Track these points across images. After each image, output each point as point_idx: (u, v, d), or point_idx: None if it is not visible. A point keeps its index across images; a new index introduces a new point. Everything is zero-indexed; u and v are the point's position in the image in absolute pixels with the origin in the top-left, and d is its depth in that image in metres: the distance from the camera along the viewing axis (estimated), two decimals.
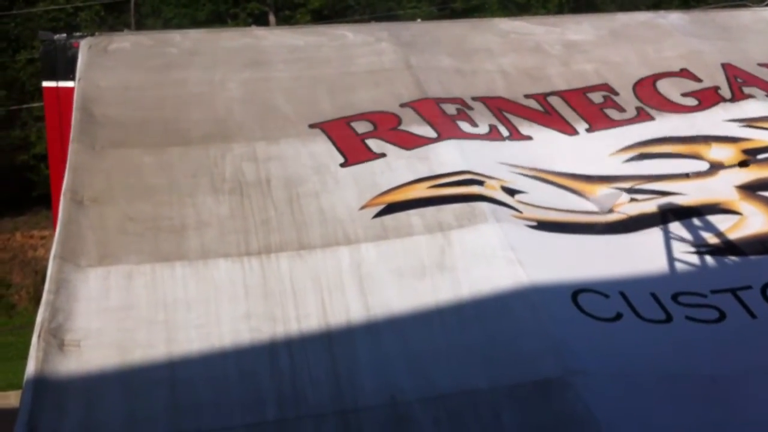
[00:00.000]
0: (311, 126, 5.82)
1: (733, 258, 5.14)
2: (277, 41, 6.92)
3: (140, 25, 21.47)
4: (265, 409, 4.02)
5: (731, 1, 11.61)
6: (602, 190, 5.62)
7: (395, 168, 5.49)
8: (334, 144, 5.67)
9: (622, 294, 4.74)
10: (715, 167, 5.83)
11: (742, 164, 5.79)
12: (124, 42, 6.72)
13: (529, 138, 6.01)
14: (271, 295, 4.53)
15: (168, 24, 21.64)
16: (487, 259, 4.84)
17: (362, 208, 5.16)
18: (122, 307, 4.41)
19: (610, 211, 5.43)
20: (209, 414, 3.99)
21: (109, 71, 6.28)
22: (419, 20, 9.30)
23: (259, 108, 6.00)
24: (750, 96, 6.50)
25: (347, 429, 3.98)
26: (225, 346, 4.26)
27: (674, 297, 4.77)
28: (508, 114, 6.22)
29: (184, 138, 5.66)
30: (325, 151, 5.57)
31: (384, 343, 4.38)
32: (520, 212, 5.25)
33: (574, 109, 6.36)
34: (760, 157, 5.93)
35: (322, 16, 21.85)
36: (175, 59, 6.56)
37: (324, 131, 5.78)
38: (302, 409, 4.03)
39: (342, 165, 5.51)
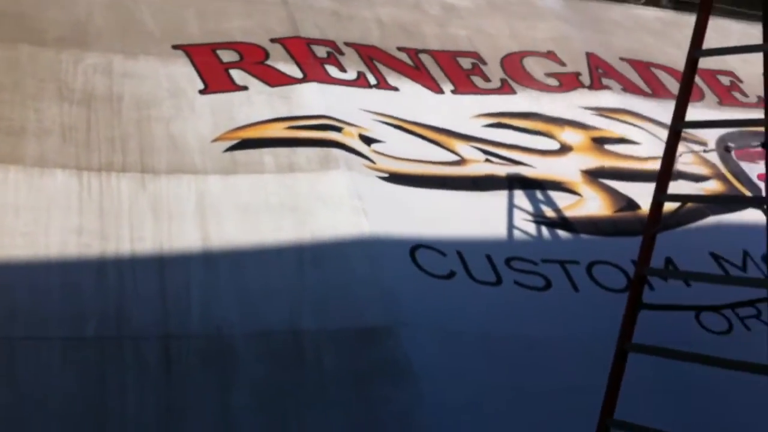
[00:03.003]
0: (174, 47, 5.64)
1: (566, 233, 5.41)
2: None
3: None
4: (85, 325, 3.94)
5: None
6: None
7: (255, 103, 5.41)
8: (196, 69, 5.52)
9: (459, 253, 4.91)
10: (565, 149, 6.09)
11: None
12: None
13: (395, 89, 6.07)
14: (107, 213, 4.41)
15: None
16: (333, 205, 4.89)
17: (215, 140, 5.07)
18: None
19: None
20: (25, 323, 3.87)
21: None
22: None
23: (121, 18, 5.73)
24: (607, 87, 6.79)
25: (167, 354, 3.96)
26: (50, 257, 4.13)
27: (507, 261, 4.98)
28: (378, 63, 6.25)
29: (38, 38, 5.35)
30: (184, 75, 5.42)
31: (218, 275, 4.37)
32: (374, 162, 5.32)
33: (442, 69, 6.45)
34: (607, 147, 6.23)
35: None
36: None
37: (187, 54, 5.61)
38: (124, 329, 3.98)
39: (201, 92, 5.38)
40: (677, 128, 3.86)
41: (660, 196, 3.89)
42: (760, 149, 6.16)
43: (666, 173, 3.90)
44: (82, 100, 4.99)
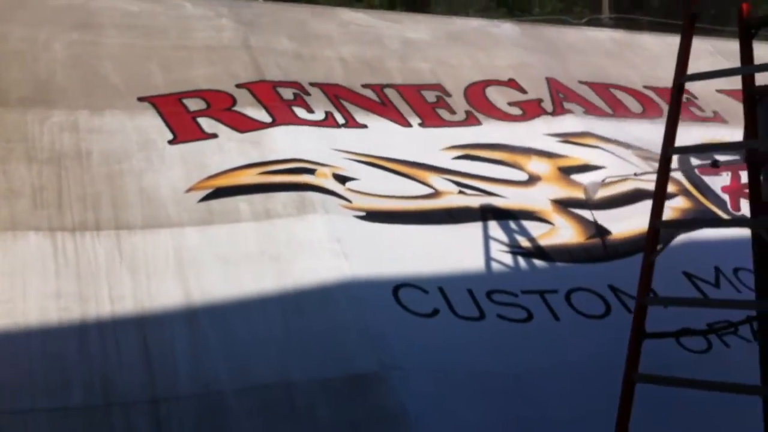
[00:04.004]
0: (140, 99, 5.57)
1: (542, 263, 5.45)
2: (109, 4, 6.54)
3: None
4: (71, 394, 3.84)
5: (555, 15, 12.23)
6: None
7: (226, 150, 5.36)
8: (164, 120, 5.45)
9: (441, 290, 4.90)
10: (533, 179, 6.15)
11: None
12: None
13: (364, 126, 6.07)
14: (84, 274, 4.31)
15: None
16: (312, 250, 4.85)
17: (189, 190, 5.01)
18: None
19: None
20: (8, 396, 3.76)
21: None
22: (262, 0, 9.13)
23: (84, 74, 5.65)
24: (569, 111, 6.88)
25: (157, 418, 3.87)
26: (30, 325, 4.02)
27: (488, 294, 4.99)
28: (344, 102, 6.25)
29: (1, 99, 5.26)
30: (153, 127, 5.34)
31: (202, 330, 4.29)
32: (350, 202, 5.30)
33: (408, 104, 6.48)
34: (573, 176, 6.30)
35: None
36: None
37: (154, 105, 5.55)
38: (111, 395, 3.88)
39: (170, 142, 5.32)
40: (668, 154, 3.88)
41: (656, 222, 3.92)
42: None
43: (660, 199, 3.92)
44: (51, 159, 4.90)
